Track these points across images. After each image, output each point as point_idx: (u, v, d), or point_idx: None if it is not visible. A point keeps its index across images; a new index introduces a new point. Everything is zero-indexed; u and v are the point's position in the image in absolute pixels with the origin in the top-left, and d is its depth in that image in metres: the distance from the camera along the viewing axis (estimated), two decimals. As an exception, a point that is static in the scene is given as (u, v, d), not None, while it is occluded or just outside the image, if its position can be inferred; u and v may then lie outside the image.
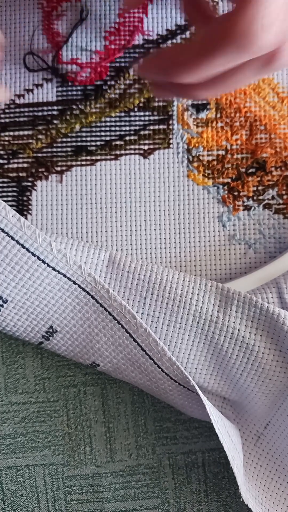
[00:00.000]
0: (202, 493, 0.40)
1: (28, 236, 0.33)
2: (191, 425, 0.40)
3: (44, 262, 0.34)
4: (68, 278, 0.35)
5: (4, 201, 0.40)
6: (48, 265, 0.34)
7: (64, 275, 0.35)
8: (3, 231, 0.33)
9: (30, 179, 0.41)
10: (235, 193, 0.40)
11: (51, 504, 0.40)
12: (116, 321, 0.35)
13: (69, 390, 0.40)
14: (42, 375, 0.40)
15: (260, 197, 0.40)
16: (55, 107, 0.41)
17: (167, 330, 0.36)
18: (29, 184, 0.41)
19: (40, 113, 0.41)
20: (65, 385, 0.40)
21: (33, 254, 0.34)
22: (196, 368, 0.37)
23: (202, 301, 0.36)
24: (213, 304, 0.36)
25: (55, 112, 0.41)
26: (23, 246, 0.34)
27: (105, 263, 0.36)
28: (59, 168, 0.41)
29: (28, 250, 0.34)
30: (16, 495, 0.40)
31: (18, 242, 0.33)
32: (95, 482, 0.40)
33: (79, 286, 0.35)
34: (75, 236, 0.40)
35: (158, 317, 0.36)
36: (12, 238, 0.33)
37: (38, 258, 0.34)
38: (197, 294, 0.36)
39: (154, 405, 0.40)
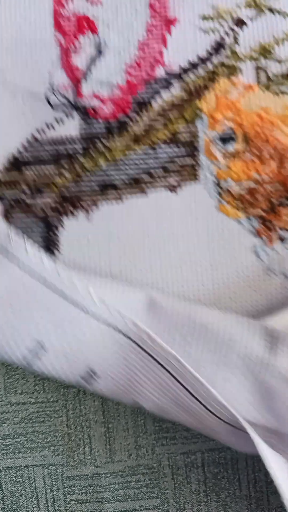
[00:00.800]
0: (201, 493, 0.40)
1: (67, 285, 0.32)
2: None
3: (84, 310, 0.33)
4: (109, 324, 0.34)
5: (32, 239, 0.39)
6: (88, 313, 0.33)
7: (105, 323, 0.34)
8: (41, 280, 0.32)
9: (57, 216, 0.39)
10: (269, 225, 0.40)
11: (50, 505, 0.40)
12: (160, 365, 0.35)
13: (68, 390, 0.40)
14: (41, 376, 0.40)
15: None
16: (79, 143, 0.40)
17: (212, 371, 0.35)
18: (56, 221, 0.39)
19: (63, 149, 0.40)
20: (65, 385, 0.40)
21: (73, 303, 0.33)
22: (242, 406, 0.36)
23: (248, 341, 0.35)
24: (260, 345, 0.35)
25: (78, 148, 0.40)
26: (62, 295, 0.33)
27: (144, 305, 0.36)
28: (86, 205, 0.40)
29: (67, 298, 0.33)
30: (15, 496, 0.40)
31: (56, 291, 0.32)
32: (95, 483, 0.40)
33: (121, 332, 0.34)
34: (105, 273, 0.39)
35: (202, 359, 0.35)
36: (50, 288, 0.32)
37: (78, 306, 0.33)
38: (243, 335, 0.35)
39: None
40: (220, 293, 0.39)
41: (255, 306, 0.39)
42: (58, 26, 0.42)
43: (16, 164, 0.40)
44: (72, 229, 0.40)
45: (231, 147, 0.41)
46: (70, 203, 0.40)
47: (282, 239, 0.40)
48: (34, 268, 0.33)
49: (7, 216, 0.40)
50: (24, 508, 0.40)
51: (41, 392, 0.40)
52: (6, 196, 0.40)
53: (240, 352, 0.35)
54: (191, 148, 0.41)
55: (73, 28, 0.42)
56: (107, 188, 0.40)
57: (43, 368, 0.35)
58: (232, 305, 0.39)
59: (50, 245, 0.39)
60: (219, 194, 0.40)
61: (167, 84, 0.41)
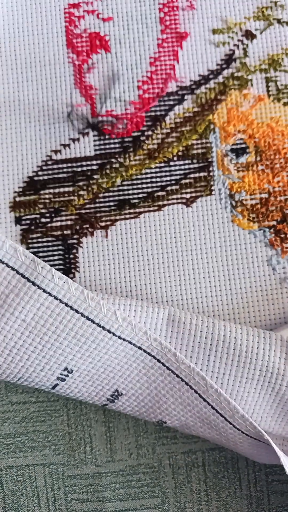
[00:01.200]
0: (202, 493, 0.40)
1: (93, 308, 0.33)
2: None
3: (109, 331, 0.34)
4: (134, 344, 0.35)
5: (51, 260, 0.40)
6: (114, 334, 0.34)
7: (130, 342, 0.34)
8: (67, 305, 0.33)
9: (75, 237, 0.40)
10: (282, 236, 0.40)
11: (51, 504, 0.40)
12: (184, 382, 0.35)
13: None
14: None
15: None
16: (94, 162, 0.41)
17: (233, 385, 0.36)
18: (75, 241, 0.40)
19: (79, 169, 0.41)
20: None
21: (98, 325, 0.34)
22: (261, 417, 0.37)
23: (269, 355, 0.36)
24: (279, 357, 0.36)
25: (94, 167, 0.41)
26: (88, 318, 0.33)
27: (164, 321, 0.36)
28: (103, 224, 0.40)
29: (93, 321, 0.33)
30: (16, 495, 0.40)
31: (82, 315, 0.33)
32: (96, 482, 0.40)
33: (144, 351, 0.35)
34: (124, 290, 0.40)
35: (223, 374, 0.36)
36: (77, 311, 0.33)
37: (104, 328, 0.34)
38: (263, 349, 0.36)
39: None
40: (235, 305, 0.40)
41: (270, 317, 0.40)
42: (70, 45, 0.42)
43: (32, 185, 0.41)
44: (90, 247, 0.41)
45: (244, 159, 0.41)
46: (88, 223, 0.41)
47: (295, 250, 0.40)
48: (60, 292, 0.34)
49: (25, 238, 0.40)
50: (25, 507, 0.40)
51: (42, 391, 0.40)
52: (23, 217, 0.41)
53: (259, 365, 0.36)
54: (205, 161, 0.41)
55: (85, 46, 0.42)
56: (124, 206, 0.41)
57: (68, 391, 0.36)
58: (247, 317, 0.40)
59: (69, 264, 0.40)
60: (233, 206, 0.41)
61: (179, 98, 0.42)
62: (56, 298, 0.33)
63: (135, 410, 0.37)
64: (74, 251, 0.40)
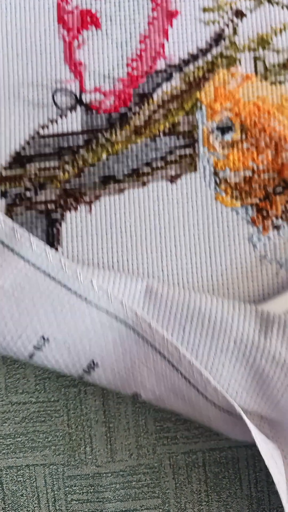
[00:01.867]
0: (202, 493, 0.40)
1: (69, 276, 0.34)
2: (192, 425, 0.40)
3: (86, 300, 0.34)
4: (110, 314, 0.35)
5: (34, 234, 0.40)
6: (90, 303, 0.34)
7: (106, 311, 0.35)
8: (44, 272, 0.33)
9: (59, 211, 0.41)
10: (264, 213, 0.41)
11: (51, 504, 0.40)
12: (158, 353, 0.36)
13: (69, 390, 0.40)
14: (42, 375, 0.40)
15: (290, 218, 0.40)
16: (81, 137, 0.41)
17: (207, 357, 0.36)
18: (59, 216, 0.41)
19: (65, 144, 0.41)
20: (66, 385, 0.40)
21: (75, 293, 0.34)
22: (236, 392, 0.37)
23: (243, 326, 0.36)
24: (254, 329, 0.36)
25: (81, 142, 0.41)
26: (64, 286, 0.34)
27: (142, 293, 0.37)
28: (87, 199, 0.41)
29: (70, 289, 0.34)
30: (16, 495, 0.40)
31: (59, 283, 0.34)
32: (96, 482, 0.40)
33: (120, 321, 0.35)
34: (106, 264, 0.41)
35: (198, 345, 0.36)
36: (54, 279, 0.33)
37: (80, 296, 0.34)
38: (237, 320, 0.36)
39: (154, 405, 0.40)
40: (215, 281, 0.40)
41: (250, 294, 0.40)
42: (61, 21, 0.43)
43: (19, 160, 0.42)
44: (73, 222, 0.41)
45: (229, 137, 0.41)
46: (72, 197, 0.41)
47: (276, 228, 0.41)
48: (38, 260, 0.34)
49: (10, 211, 0.41)
50: (25, 507, 0.40)
51: (42, 391, 0.40)
52: (9, 191, 0.42)
53: (234, 336, 0.36)
54: (190, 138, 0.42)
55: (76, 22, 0.43)
56: (108, 181, 0.41)
57: (45, 361, 0.37)
58: (227, 293, 0.40)
59: (51, 239, 0.41)
60: (217, 183, 0.41)
61: (167, 76, 0.42)
62: (33, 265, 0.33)
63: (111, 383, 0.38)
64: (58, 225, 0.41)
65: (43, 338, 0.35)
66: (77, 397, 0.40)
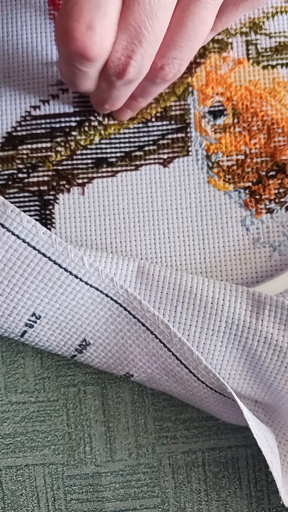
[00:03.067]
0: (202, 493, 0.40)
1: (60, 252, 0.33)
2: (191, 425, 0.40)
3: (76, 276, 0.34)
4: (101, 291, 0.35)
5: (27, 215, 0.40)
6: (81, 280, 0.34)
7: (97, 289, 0.35)
8: (34, 248, 0.33)
9: (51, 193, 0.41)
10: (257, 197, 0.41)
11: (51, 504, 0.40)
12: (149, 331, 0.36)
13: (69, 390, 0.40)
14: (42, 375, 0.40)
15: (282, 200, 0.41)
16: (73, 118, 0.41)
17: (199, 337, 0.36)
18: (51, 197, 0.41)
19: (57, 125, 0.41)
20: (65, 384, 0.40)
21: (66, 270, 0.34)
22: (229, 374, 0.37)
23: (234, 307, 0.36)
24: (245, 310, 0.36)
25: (73, 124, 0.41)
26: (55, 262, 0.34)
27: (134, 273, 0.36)
28: (80, 181, 0.41)
29: (60, 266, 0.34)
30: (16, 495, 0.40)
31: (50, 259, 0.33)
32: (95, 482, 0.40)
33: (111, 298, 0.35)
34: (99, 247, 0.40)
35: (190, 325, 0.36)
36: (44, 255, 0.33)
37: (71, 273, 0.34)
38: (229, 300, 0.36)
39: (154, 405, 0.40)
40: (208, 264, 0.40)
41: (243, 277, 0.40)
42: (52, 2, 0.42)
43: (11, 140, 0.41)
44: (66, 204, 0.41)
45: (221, 121, 0.41)
46: (65, 179, 0.41)
47: (269, 211, 0.41)
48: (29, 236, 0.34)
49: (2, 193, 0.41)
50: (24, 507, 0.40)
51: (42, 391, 0.41)
52: (1, 173, 0.41)
53: (226, 317, 0.36)
54: (182, 123, 0.42)
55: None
56: (101, 164, 0.41)
57: (37, 339, 0.37)
58: (220, 276, 0.40)
59: (45, 220, 0.41)
60: (209, 167, 0.41)
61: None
62: (24, 241, 0.33)
63: (103, 362, 0.38)
64: (50, 207, 0.41)
65: (35, 315, 0.35)
66: (77, 396, 0.40)
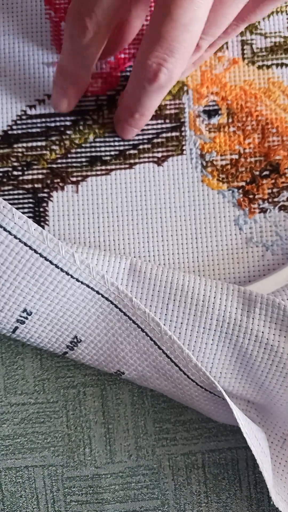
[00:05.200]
0: (202, 494, 0.40)
1: (51, 249, 0.34)
2: (191, 426, 0.40)
3: (67, 273, 0.34)
4: (92, 288, 0.35)
5: (21, 212, 0.40)
6: (72, 276, 0.34)
7: (88, 286, 0.35)
8: (26, 244, 0.33)
9: (45, 190, 0.41)
10: (250, 196, 0.41)
11: (50, 505, 0.40)
12: (140, 329, 0.36)
13: (68, 391, 0.40)
14: (41, 376, 0.40)
15: (276, 199, 0.41)
16: (68, 118, 0.41)
17: (190, 336, 0.36)
18: (45, 195, 0.41)
19: (53, 124, 0.41)
20: (65, 386, 0.40)
21: (57, 266, 0.34)
22: (221, 372, 0.37)
23: (225, 305, 0.36)
24: (236, 308, 0.36)
25: (68, 123, 0.41)
26: (46, 259, 0.34)
27: (126, 271, 0.37)
28: (74, 179, 0.41)
29: (51, 262, 0.34)
30: (15, 496, 0.40)
31: (41, 255, 0.34)
32: (95, 483, 0.40)
33: (102, 295, 0.35)
34: (92, 245, 0.41)
35: (181, 323, 0.36)
36: (35, 251, 0.33)
37: (62, 269, 0.34)
38: (220, 299, 0.36)
39: (153, 406, 0.40)
40: (201, 263, 0.40)
41: (235, 276, 0.40)
42: (48, 2, 0.43)
43: (6, 139, 0.42)
44: (60, 202, 0.41)
45: (215, 120, 0.42)
46: (59, 177, 0.41)
47: (263, 211, 0.41)
48: (20, 232, 0.34)
49: (-3, 188, 0.41)
50: (24, 508, 0.40)
51: (41, 392, 0.41)
52: (-4, 169, 0.41)
53: (217, 315, 0.36)
54: (177, 122, 0.42)
55: (63, 3, 0.43)
56: (95, 162, 0.41)
57: (29, 335, 0.37)
58: (212, 275, 0.40)
59: (38, 218, 0.41)
60: (203, 166, 0.41)
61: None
62: (15, 237, 0.33)
63: (94, 359, 0.38)
64: (44, 204, 0.41)
65: (26, 311, 0.35)
66: (76, 398, 0.40)
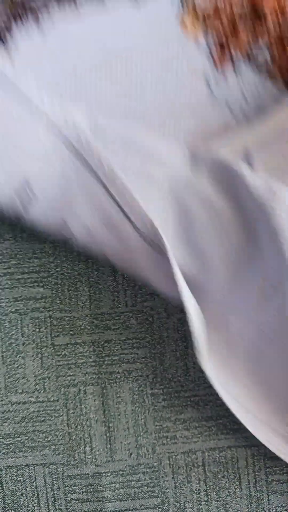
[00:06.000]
0: (202, 493, 0.40)
1: (20, 80, 0.33)
2: (191, 425, 0.41)
3: (33, 110, 0.33)
4: (54, 126, 0.34)
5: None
6: (37, 115, 0.33)
7: (51, 125, 0.34)
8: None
9: (6, 23, 0.38)
10: (226, 50, 0.38)
11: (51, 504, 0.40)
12: (94, 173, 0.35)
13: (69, 390, 0.40)
14: (42, 375, 0.40)
15: (251, 59, 0.38)
16: None
17: (138, 186, 0.36)
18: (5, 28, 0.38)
19: None
20: (65, 384, 0.40)
21: (23, 100, 0.33)
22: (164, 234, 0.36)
23: (172, 158, 0.36)
24: (183, 163, 0.36)
25: None
26: (13, 90, 0.32)
27: (88, 123, 0.36)
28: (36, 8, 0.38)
29: (17, 93, 0.33)
30: (16, 495, 0.40)
31: (8, 84, 0.32)
32: (95, 482, 0.40)
33: (64, 140, 0.34)
34: (57, 90, 0.38)
35: (130, 172, 0.35)
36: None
37: (28, 104, 0.33)
38: (167, 151, 0.36)
39: (154, 405, 0.40)
40: (163, 116, 0.39)
41: (192, 133, 0.39)
42: None
43: None
44: (26, 50, 0.38)
45: None
46: (20, 6, 0.38)
47: (235, 69, 0.38)
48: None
49: None
50: (24, 507, 0.40)
51: (42, 391, 0.40)
52: None
53: (163, 170, 0.35)
54: None
55: None
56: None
57: None
58: (171, 130, 0.39)
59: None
60: (183, 7, 0.38)
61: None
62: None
63: (45, 217, 0.37)
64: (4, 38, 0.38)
65: None
66: (77, 396, 0.40)
